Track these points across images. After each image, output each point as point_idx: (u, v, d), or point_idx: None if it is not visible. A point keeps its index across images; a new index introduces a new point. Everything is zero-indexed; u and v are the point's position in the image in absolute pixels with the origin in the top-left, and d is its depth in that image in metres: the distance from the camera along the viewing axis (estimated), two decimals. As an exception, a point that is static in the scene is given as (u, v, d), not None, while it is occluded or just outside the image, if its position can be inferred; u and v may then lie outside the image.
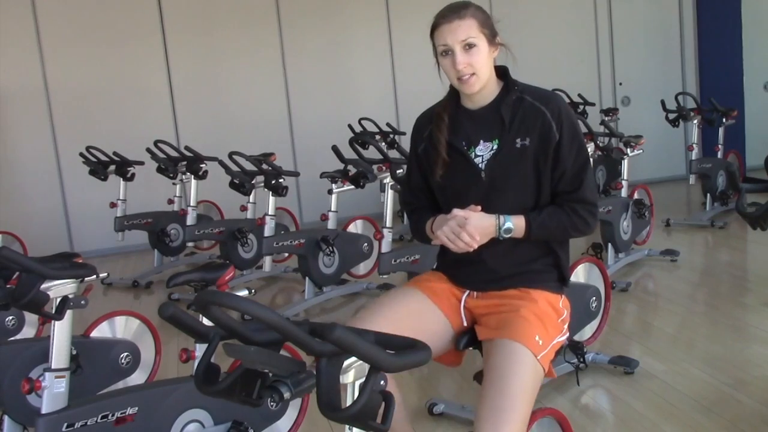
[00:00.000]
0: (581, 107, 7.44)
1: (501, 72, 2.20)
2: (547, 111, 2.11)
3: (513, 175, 2.11)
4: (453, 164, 2.17)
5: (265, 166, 5.05)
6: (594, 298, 3.40)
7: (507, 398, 1.90)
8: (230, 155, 5.24)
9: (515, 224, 2.08)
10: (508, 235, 2.08)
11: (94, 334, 3.31)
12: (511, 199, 2.10)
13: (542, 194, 2.14)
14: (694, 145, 6.35)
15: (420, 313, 2.16)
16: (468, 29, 2.07)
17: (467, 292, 2.21)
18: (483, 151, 2.14)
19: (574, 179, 2.13)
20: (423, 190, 2.31)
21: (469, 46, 2.08)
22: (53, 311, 2.46)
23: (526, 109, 2.13)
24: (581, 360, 3.31)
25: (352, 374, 1.39)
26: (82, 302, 2.50)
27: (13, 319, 3.72)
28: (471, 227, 2.03)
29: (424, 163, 2.26)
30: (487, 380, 1.97)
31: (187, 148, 5.86)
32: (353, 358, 1.35)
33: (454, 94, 2.23)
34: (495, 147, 2.13)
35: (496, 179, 2.11)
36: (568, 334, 2.20)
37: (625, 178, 5.46)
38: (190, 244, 5.82)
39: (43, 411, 2.43)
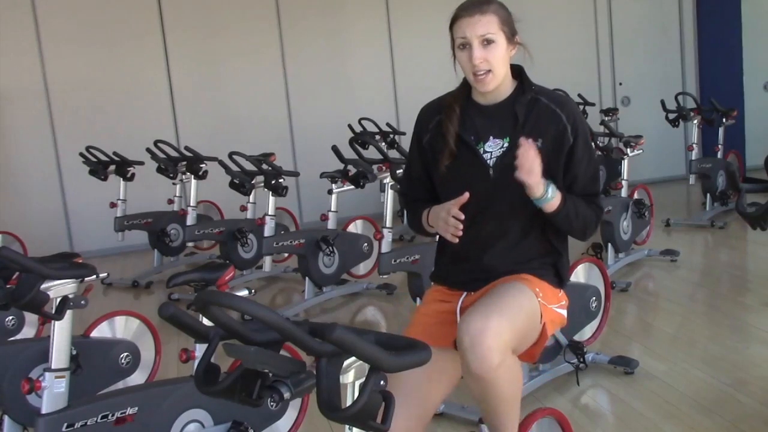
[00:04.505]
0: (581, 107, 7.44)
1: (516, 71, 2.19)
2: (562, 114, 2.11)
3: None
4: (460, 157, 2.14)
5: (265, 166, 5.04)
6: (594, 298, 3.40)
7: (498, 305, 1.94)
8: (230, 155, 5.25)
9: (556, 192, 2.05)
10: (552, 197, 2.03)
11: (94, 334, 3.31)
12: (518, 199, 2.07)
13: None
14: (694, 145, 6.35)
15: (427, 369, 2.14)
16: (488, 25, 2.07)
17: (464, 293, 2.19)
18: (492, 148, 2.13)
19: (586, 186, 2.14)
20: (423, 182, 2.28)
21: (487, 42, 2.07)
22: (53, 311, 2.46)
23: (540, 110, 2.13)
24: (581, 360, 3.30)
25: (352, 374, 1.39)
26: (82, 302, 2.50)
27: (13, 319, 3.72)
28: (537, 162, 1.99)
29: (429, 154, 2.23)
30: (482, 298, 2.02)
31: (187, 148, 5.86)
32: (353, 358, 1.36)
33: (466, 87, 2.21)
34: (506, 145, 2.11)
35: (504, 177, 2.07)
36: (566, 313, 2.22)
37: (625, 178, 5.46)
38: (190, 244, 5.83)
39: (43, 411, 2.43)
